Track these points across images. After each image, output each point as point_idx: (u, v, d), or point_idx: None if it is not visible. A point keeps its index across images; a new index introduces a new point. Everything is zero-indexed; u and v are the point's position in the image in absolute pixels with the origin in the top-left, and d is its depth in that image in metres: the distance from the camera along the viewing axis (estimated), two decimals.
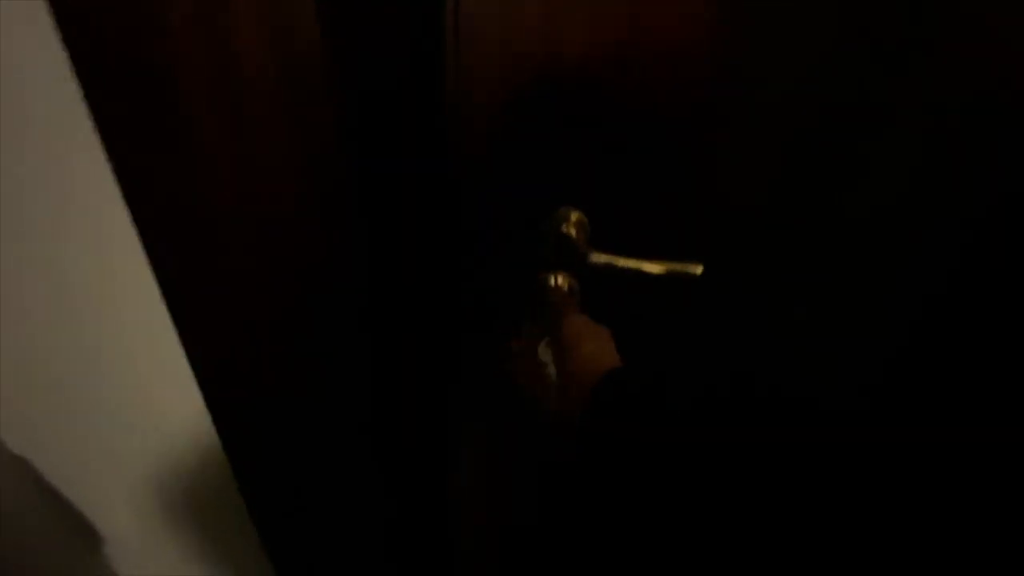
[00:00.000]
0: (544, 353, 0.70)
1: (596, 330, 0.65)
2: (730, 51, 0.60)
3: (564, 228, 0.69)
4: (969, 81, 0.62)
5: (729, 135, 0.67)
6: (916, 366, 0.82)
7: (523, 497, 1.01)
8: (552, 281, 0.72)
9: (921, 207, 0.71)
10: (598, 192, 0.69)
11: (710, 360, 0.82)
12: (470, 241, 0.72)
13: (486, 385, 0.83)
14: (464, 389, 0.84)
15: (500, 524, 1.07)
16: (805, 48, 0.60)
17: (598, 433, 0.56)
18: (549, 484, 0.96)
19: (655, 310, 0.77)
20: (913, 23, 0.59)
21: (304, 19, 0.55)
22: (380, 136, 0.67)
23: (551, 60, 0.60)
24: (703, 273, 0.68)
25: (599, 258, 0.67)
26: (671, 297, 0.77)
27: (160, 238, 0.63)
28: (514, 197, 0.69)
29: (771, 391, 0.81)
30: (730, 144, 0.67)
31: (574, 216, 0.70)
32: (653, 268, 0.67)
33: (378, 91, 0.63)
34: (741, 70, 0.61)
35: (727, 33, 0.59)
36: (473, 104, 0.62)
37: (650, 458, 0.50)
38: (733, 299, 0.77)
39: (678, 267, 0.67)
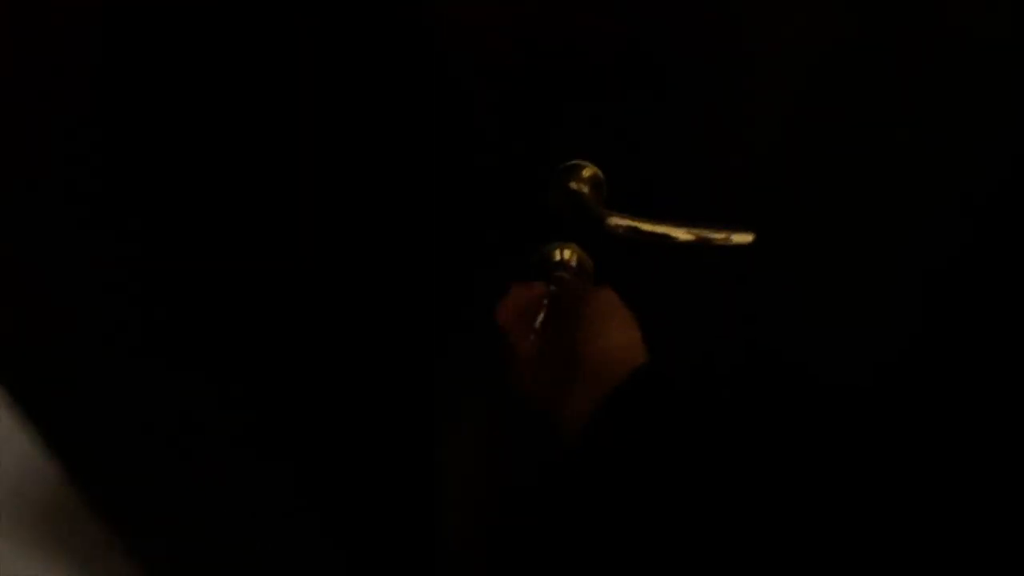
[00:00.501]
0: (547, 340, 0.54)
1: (623, 313, 0.53)
2: None
3: (575, 185, 0.54)
4: None
5: (767, 76, 0.54)
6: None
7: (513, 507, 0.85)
8: (558, 255, 0.57)
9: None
10: (618, 143, 0.55)
11: (738, 355, 0.68)
12: (449, 211, 0.58)
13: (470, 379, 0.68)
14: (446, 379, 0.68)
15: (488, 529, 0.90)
16: None
17: (609, 442, 0.45)
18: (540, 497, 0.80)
19: (676, 294, 0.62)
20: None
21: None
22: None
23: None
24: (750, 244, 0.53)
25: (619, 222, 0.52)
26: (698, 277, 0.62)
27: None
28: (510, 147, 0.54)
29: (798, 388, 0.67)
30: (766, 89, 0.54)
31: (587, 172, 0.55)
32: (687, 236, 0.52)
33: None
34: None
35: None
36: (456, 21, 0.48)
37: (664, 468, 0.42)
38: (771, 278, 0.63)
39: (721, 236, 0.52)
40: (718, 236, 0.52)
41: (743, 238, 0.52)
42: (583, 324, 0.52)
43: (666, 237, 0.52)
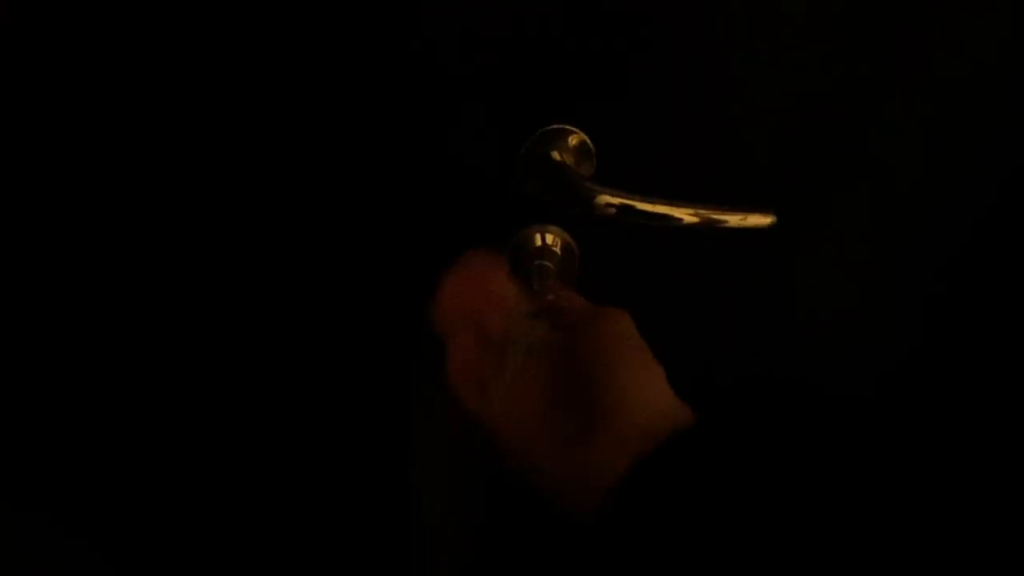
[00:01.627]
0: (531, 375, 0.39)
1: (636, 342, 0.38)
2: None
3: (558, 155, 0.45)
4: None
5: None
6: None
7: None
8: (538, 240, 0.48)
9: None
10: (609, 104, 0.46)
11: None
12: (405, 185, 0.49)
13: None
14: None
15: None
16: None
17: (635, 523, 0.32)
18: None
19: (674, 292, 0.53)
20: None
21: None
22: None
23: None
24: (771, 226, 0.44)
25: (611, 200, 0.43)
26: (698, 274, 0.52)
27: None
28: (478, 109, 0.45)
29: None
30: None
31: (572, 139, 0.46)
32: (693, 218, 0.43)
33: None
34: None
35: None
36: None
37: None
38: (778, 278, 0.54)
39: (736, 218, 0.43)
40: (732, 218, 0.43)
41: (761, 220, 0.43)
42: (591, 354, 0.36)
43: (667, 219, 0.43)
